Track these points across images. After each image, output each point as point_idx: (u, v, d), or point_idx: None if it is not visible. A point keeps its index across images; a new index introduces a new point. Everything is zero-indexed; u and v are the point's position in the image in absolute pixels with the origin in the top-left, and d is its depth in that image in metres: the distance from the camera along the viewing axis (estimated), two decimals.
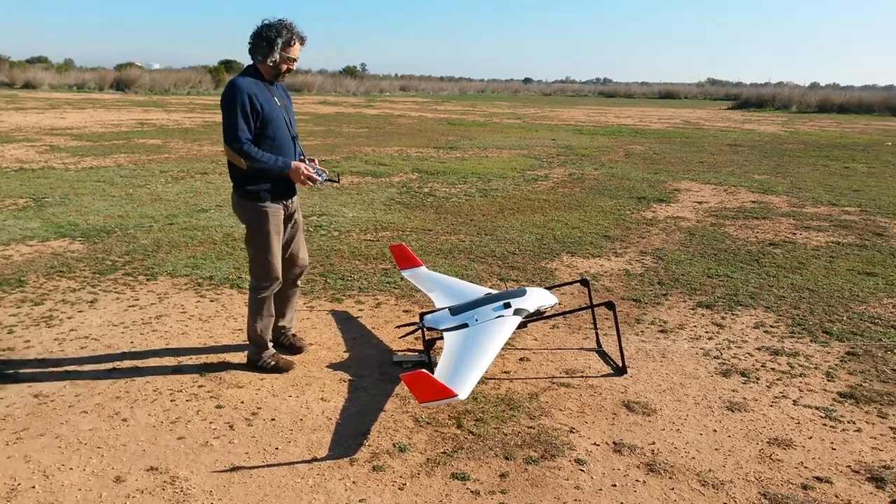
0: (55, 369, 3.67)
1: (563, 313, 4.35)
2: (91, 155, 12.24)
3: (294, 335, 4.04)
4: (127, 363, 3.78)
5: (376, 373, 3.75)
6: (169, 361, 3.82)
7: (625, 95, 65.59)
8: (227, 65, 56.47)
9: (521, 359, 3.97)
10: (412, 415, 3.27)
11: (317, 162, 3.68)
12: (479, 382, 3.22)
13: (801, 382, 3.74)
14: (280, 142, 3.49)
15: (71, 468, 2.78)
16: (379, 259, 5.99)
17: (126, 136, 15.62)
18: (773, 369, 3.90)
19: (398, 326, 4.24)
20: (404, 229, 7.19)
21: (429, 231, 7.12)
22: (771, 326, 4.56)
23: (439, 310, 3.80)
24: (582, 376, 3.76)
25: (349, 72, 64.38)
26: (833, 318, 4.73)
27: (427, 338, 3.71)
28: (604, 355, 4.04)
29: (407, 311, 4.71)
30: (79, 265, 5.53)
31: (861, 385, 3.71)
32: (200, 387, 3.51)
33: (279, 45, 3.39)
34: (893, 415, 3.38)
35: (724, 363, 3.97)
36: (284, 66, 3.46)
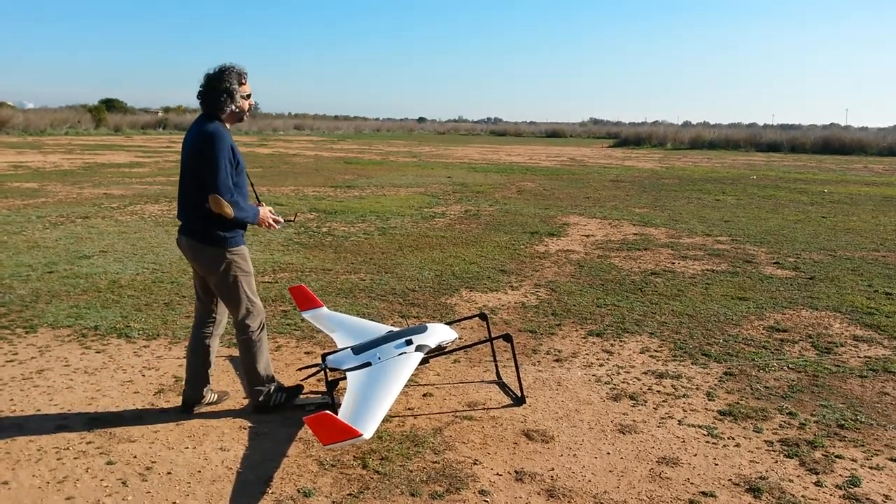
0: None
1: (464, 347, 4.45)
2: None
3: (212, 391, 3.90)
4: (7, 422, 3.53)
5: (278, 418, 3.69)
6: (53, 418, 3.59)
7: (514, 134, 68.01)
8: (109, 103, 54.17)
9: (424, 394, 4.03)
10: (316, 458, 3.25)
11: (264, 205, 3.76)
12: (383, 421, 3.25)
13: (684, 403, 4.00)
14: (245, 190, 3.58)
15: None
16: (278, 301, 5.91)
17: None
18: (658, 392, 4.15)
19: (300, 369, 4.19)
20: (303, 270, 7.12)
21: (328, 271, 7.10)
22: (655, 351, 4.85)
23: (342, 350, 3.80)
24: (483, 408, 3.86)
25: None
26: (711, 341, 5.09)
27: (330, 379, 3.70)
28: (503, 386, 4.16)
29: (308, 353, 4.66)
30: None
31: (738, 403, 4.00)
32: (89, 443, 3.33)
33: (237, 90, 3.47)
34: (767, 429, 3.67)
35: (614, 388, 4.18)
36: (247, 105, 3.55)
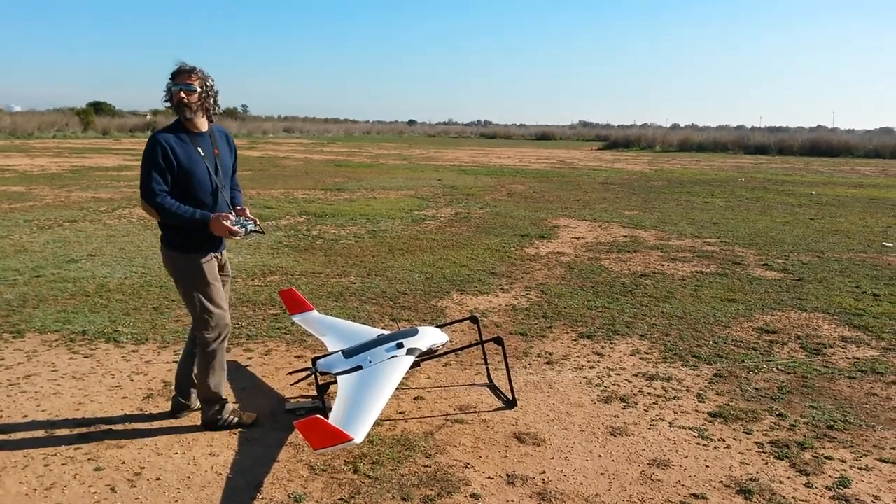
0: None
1: (455, 350, 4.44)
2: None
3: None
4: None
5: (268, 423, 3.67)
6: (41, 424, 3.56)
7: (504, 137, 68.12)
8: (97, 106, 53.82)
9: (415, 398, 4.02)
10: (307, 463, 3.23)
11: (248, 212, 3.54)
12: (374, 425, 3.23)
13: (675, 405, 4.01)
14: (201, 196, 3.37)
15: None
16: (268, 305, 5.88)
17: None
18: (649, 394, 4.15)
19: (290, 373, 4.17)
20: (293, 273, 7.10)
21: (319, 274, 7.07)
22: (646, 353, 4.86)
23: (332, 353, 3.79)
24: (475, 412, 3.85)
25: (230, 113, 63.04)
26: (700, 343, 5.10)
27: (320, 383, 3.68)
28: (495, 389, 4.16)
29: (299, 357, 4.64)
30: None
31: (728, 404, 4.02)
32: (77, 449, 3.30)
33: (168, 85, 3.34)
34: (758, 430, 3.68)
35: (605, 390, 4.19)
36: (175, 99, 3.33)
